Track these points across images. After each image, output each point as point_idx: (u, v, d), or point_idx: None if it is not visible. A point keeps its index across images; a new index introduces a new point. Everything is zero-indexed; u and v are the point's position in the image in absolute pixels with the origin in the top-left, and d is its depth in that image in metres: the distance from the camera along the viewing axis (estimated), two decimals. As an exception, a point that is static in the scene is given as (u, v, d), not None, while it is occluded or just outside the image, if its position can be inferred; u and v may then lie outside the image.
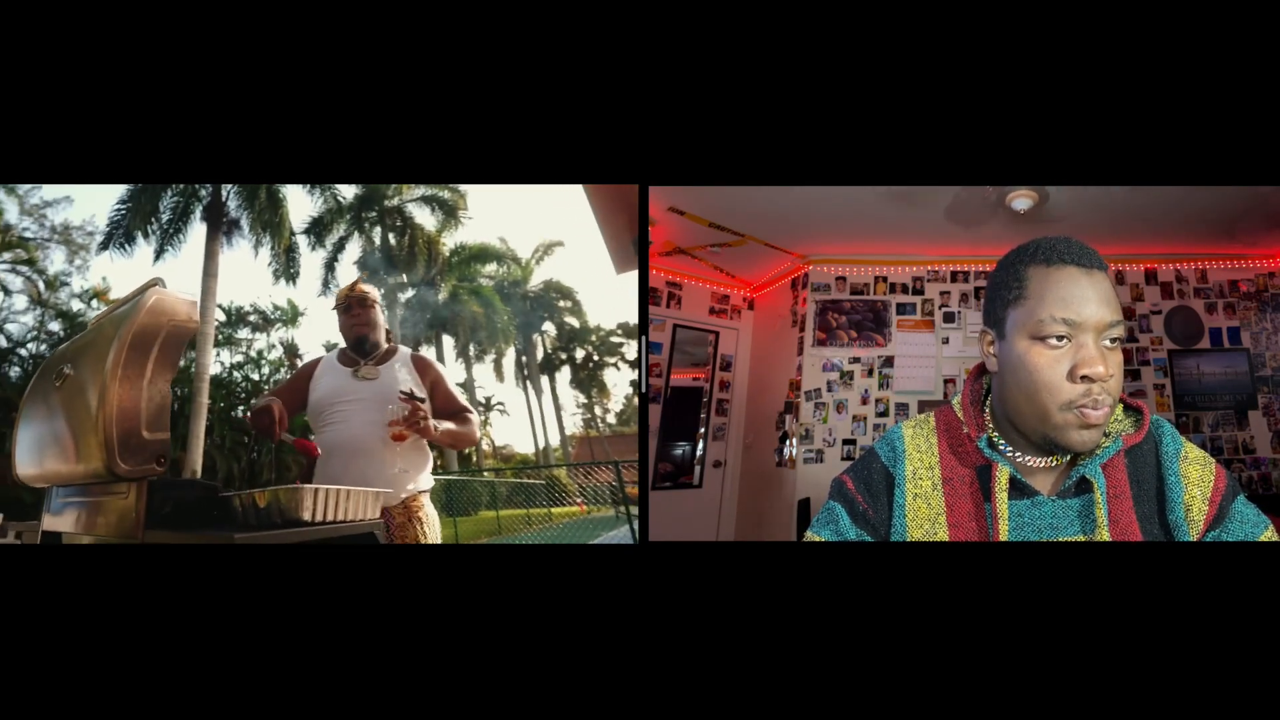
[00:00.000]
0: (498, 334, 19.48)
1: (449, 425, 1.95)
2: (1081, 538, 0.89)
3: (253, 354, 16.56)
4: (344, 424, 1.93)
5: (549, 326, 24.29)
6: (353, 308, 2.06)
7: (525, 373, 24.36)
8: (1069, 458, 0.91)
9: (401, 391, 1.83)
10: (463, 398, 2.09)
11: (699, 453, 4.41)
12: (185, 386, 12.45)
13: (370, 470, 1.84)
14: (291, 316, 18.03)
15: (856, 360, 4.04)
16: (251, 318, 17.80)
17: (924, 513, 0.93)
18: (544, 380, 25.08)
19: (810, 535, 0.97)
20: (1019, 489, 0.91)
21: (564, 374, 26.46)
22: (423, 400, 1.85)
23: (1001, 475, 0.90)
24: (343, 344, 2.09)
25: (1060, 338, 0.85)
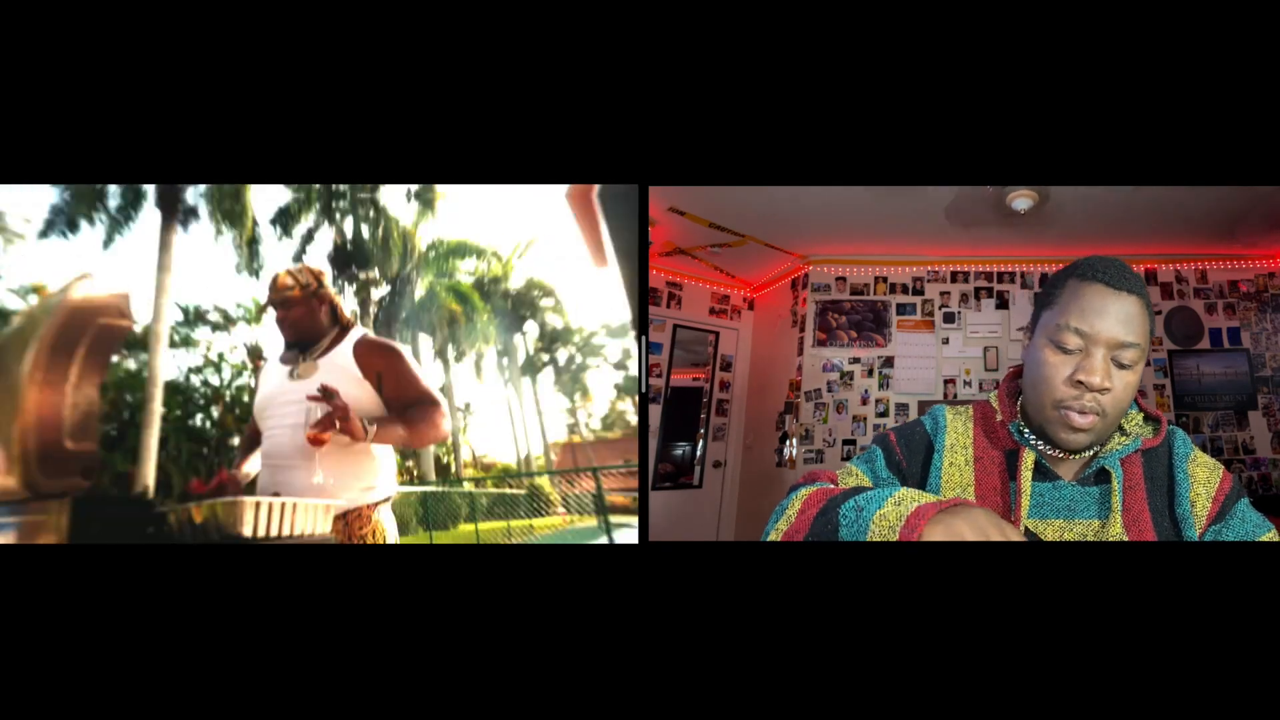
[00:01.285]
0: (477, 334, 18.14)
1: (394, 422, 1.66)
2: (1096, 523, 0.97)
3: (212, 356, 14.32)
4: (274, 432, 1.71)
5: (531, 326, 23.50)
6: (276, 310, 1.80)
7: (506, 376, 23.24)
8: (1091, 451, 0.99)
9: (316, 391, 1.55)
10: (426, 383, 1.77)
11: (699, 453, 4.41)
12: (137, 393, 10.95)
13: (295, 483, 1.63)
14: (255, 314, 15.93)
15: (856, 361, 4.04)
16: (211, 316, 15.40)
17: (956, 480, 1.03)
18: (526, 383, 24.05)
19: (849, 466, 1.09)
20: (1042, 472, 1.00)
21: (547, 376, 25.29)
22: (334, 393, 1.55)
23: (1028, 458, 0.99)
24: None
25: (1071, 345, 0.92)
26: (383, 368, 1.73)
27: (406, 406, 1.70)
